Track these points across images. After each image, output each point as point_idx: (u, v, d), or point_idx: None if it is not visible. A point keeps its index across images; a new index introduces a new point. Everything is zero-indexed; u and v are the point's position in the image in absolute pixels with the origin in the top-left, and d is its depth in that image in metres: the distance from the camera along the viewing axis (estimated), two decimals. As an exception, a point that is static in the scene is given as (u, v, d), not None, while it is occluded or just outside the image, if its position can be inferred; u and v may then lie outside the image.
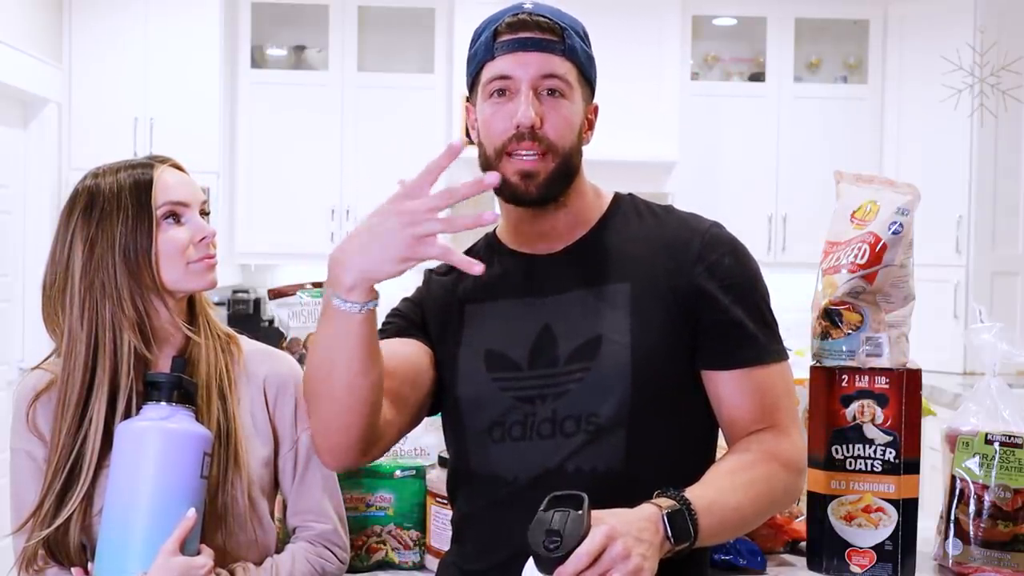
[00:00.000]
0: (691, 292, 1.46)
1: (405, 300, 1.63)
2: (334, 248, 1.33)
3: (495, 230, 1.61)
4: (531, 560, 1.24)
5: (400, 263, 1.28)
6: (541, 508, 1.24)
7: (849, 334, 1.68)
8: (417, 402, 1.52)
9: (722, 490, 1.38)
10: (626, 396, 1.42)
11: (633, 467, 1.41)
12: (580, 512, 1.22)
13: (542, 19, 1.46)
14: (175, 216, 1.52)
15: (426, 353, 1.54)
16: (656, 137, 5.18)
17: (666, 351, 1.45)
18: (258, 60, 5.43)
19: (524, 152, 1.44)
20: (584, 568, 1.20)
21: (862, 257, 1.67)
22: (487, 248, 1.60)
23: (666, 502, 1.31)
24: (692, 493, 1.34)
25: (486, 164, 1.48)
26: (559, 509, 1.23)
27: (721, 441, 1.54)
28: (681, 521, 1.30)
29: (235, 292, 5.21)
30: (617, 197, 1.58)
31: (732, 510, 1.38)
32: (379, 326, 1.52)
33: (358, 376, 1.36)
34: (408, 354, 1.51)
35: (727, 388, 1.47)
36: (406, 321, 1.58)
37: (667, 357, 1.45)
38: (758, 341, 1.47)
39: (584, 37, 1.51)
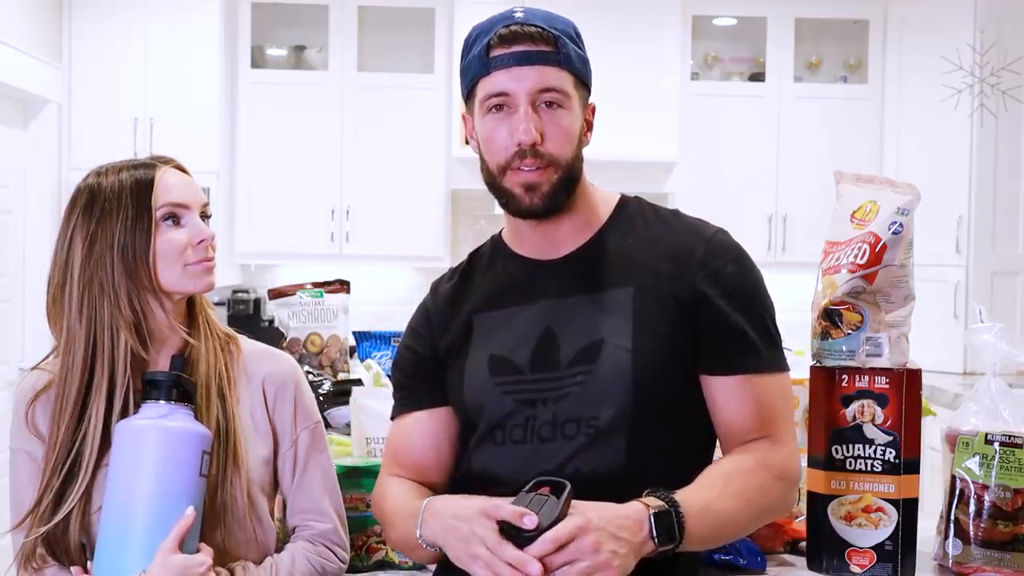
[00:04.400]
0: (692, 298, 1.46)
1: (412, 333, 1.62)
2: (448, 517, 1.37)
3: (500, 232, 1.61)
4: None
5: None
6: (524, 489, 1.25)
7: (849, 334, 1.68)
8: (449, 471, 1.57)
9: (715, 495, 1.38)
10: (627, 400, 1.42)
11: (633, 470, 1.41)
12: (559, 499, 1.23)
13: (535, 29, 1.44)
14: (174, 217, 1.51)
15: (441, 418, 1.56)
16: (656, 137, 5.17)
17: (667, 355, 1.45)
18: (258, 60, 5.43)
19: (526, 167, 1.45)
20: (549, 553, 1.21)
21: (862, 257, 1.67)
22: (493, 251, 1.60)
23: (655, 502, 1.31)
24: (683, 496, 1.34)
25: (490, 179, 1.49)
26: (540, 493, 1.24)
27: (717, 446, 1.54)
28: (668, 522, 1.30)
29: (235, 292, 5.21)
30: (623, 200, 1.58)
31: (722, 515, 1.38)
32: (391, 385, 1.64)
33: None
34: (429, 442, 1.55)
35: (725, 394, 1.46)
36: (414, 379, 1.59)
37: (668, 361, 1.45)
38: (759, 350, 1.47)
39: (577, 39, 1.50)
